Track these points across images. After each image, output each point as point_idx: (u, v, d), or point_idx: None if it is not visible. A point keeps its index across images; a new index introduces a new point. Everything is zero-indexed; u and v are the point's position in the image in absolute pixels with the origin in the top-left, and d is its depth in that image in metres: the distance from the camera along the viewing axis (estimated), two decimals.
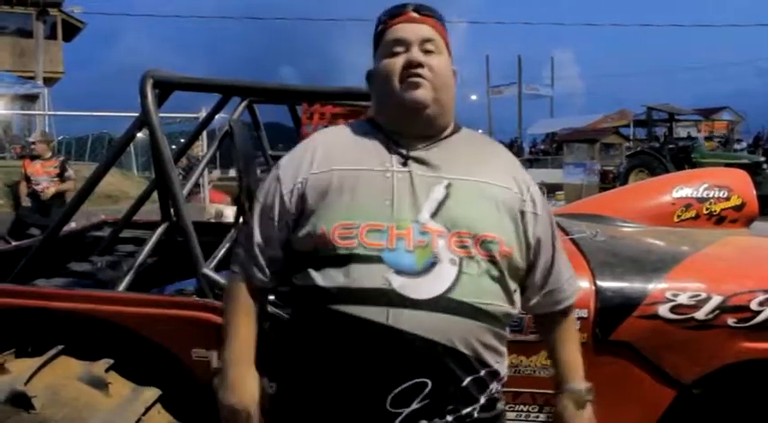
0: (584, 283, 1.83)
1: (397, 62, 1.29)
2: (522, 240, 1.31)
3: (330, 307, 1.21)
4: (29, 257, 2.16)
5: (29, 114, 17.85)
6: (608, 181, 15.87)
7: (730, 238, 2.32)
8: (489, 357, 1.25)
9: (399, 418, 1.19)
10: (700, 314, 1.79)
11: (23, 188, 6.60)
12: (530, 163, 25.71)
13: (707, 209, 2.46)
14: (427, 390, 1.19)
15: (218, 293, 1.76)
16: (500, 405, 1.33)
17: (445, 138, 1.35)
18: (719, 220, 2.46)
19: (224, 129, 2.66)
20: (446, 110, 1.33)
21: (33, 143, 6.83)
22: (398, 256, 1.20)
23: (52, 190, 6.44)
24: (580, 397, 1.39)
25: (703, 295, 1.81)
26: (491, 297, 1.24)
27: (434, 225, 1.22)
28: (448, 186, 1.26)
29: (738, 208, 2.47)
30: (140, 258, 2.08)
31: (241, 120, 2.76)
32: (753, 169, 11.09)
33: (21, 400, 1.66)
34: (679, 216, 2.46)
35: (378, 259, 1.20)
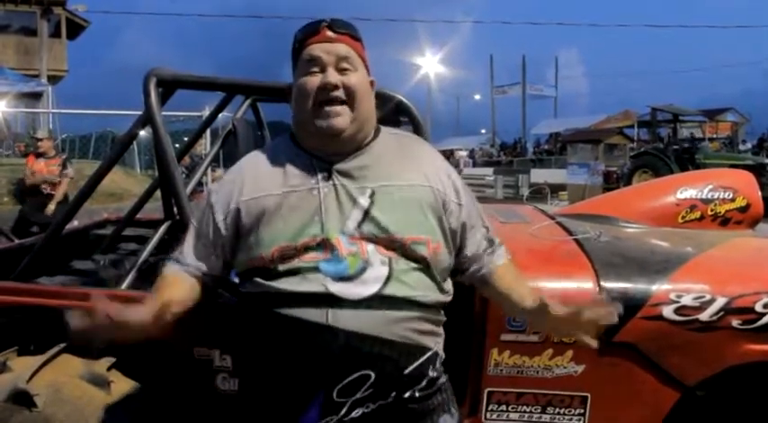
0: (588, 284, 1.83)
1: (314, 83, 1.32)
2: (449, 233, 1.38)
3: (276, 311, 1.29)
4: (32, 255, 2.16)
5: (33, 112, 17.91)
6: (612, 181, 15.80)
7: (735, 239, 2.31)
8: (428, 341, 1.33)
9: (345, 407, 1.26)
10: (704, 316, 1.79)
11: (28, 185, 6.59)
12: (533, 163, 25.71)
13: (711, 210, 2.45)
14: (371, 381, 1.26)
15: (221, 292, 1.76)
16: (440, 381, 1.37)
17: (367, 145, 1.39)
18: (724, 221, 2.45)
19: (227, 127, 2.66)
20: (365, 124, 1.37)
21: (41, 139, 6.80)
22: (333, 264, 1.27)
23: (52, 207, 6.40)
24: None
25: (708, 297, 1.80)
26: (423, 289, 1.31)
27: (362, 234, 1.29)
28: (372, 195, 1.32)
29: (743, 209, 2.46)
30: (143, 256, 2.08)
31: (244, 118, 2.76)
32: (757, 170, 11.06)
33: (23, 398, 1.66)
34: (683, 217, 2.45)
35: (315, 269, 1.27)
